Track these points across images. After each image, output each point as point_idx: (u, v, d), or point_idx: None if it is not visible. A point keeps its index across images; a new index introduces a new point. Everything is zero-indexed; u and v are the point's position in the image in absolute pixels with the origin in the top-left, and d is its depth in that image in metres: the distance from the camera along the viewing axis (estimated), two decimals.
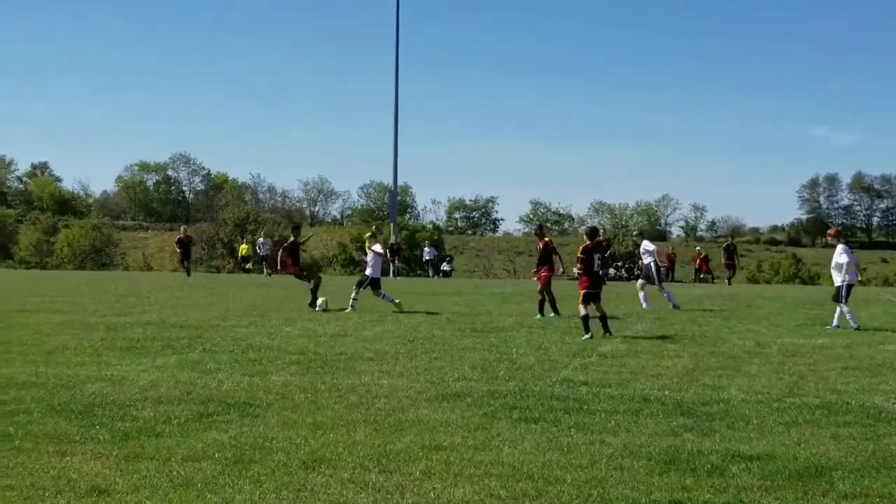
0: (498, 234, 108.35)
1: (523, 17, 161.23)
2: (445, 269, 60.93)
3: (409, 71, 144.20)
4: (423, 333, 16.43)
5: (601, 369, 12.34)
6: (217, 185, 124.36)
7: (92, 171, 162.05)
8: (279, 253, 23.30)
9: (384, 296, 22.00)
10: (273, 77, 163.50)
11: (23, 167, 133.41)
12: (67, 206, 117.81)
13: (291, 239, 23.25)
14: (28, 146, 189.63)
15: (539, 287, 20.36)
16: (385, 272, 30.67)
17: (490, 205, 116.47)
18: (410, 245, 60.24)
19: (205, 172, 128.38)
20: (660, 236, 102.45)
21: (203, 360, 12.72)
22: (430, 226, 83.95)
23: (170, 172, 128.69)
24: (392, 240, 48.16)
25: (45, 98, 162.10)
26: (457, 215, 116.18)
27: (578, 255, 16.62)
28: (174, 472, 6.90)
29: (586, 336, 15.75)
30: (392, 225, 49.30)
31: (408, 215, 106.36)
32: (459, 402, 9.85)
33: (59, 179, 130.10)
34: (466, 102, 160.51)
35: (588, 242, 16.58)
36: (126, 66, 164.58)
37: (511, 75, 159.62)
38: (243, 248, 52.31)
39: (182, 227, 45.07)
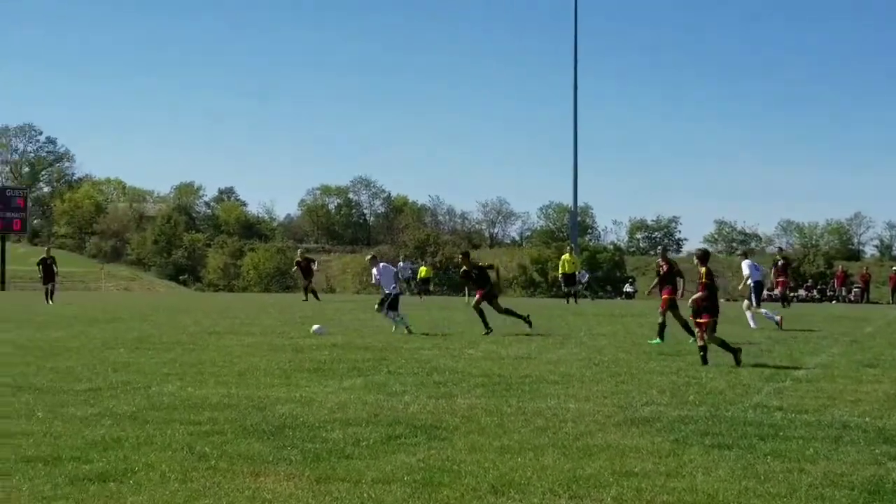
0: (681, 255, 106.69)
1: (696, 29, 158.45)
2: (628, 290, 60.28)
3: (588, 88, 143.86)
4: (607, 356, 16.20)
5: (796, 394, 11.90)
6: (397, 208, 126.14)
7: (276, 195, 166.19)
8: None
9: (390, 315, 21.70)
10: (451, 99, 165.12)
11: (210, 192, 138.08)
12: (253, 229, 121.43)
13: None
14: (215, 172, 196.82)
15: (660, 309, 19.74)
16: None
17: (672, 224, 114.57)
18: (591, 266, 59.75)
19: (385, 195, 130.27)
20: (852, 255, 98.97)
21: (388, 382, 12.80)
22: (611, 246, 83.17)
23: (351, 195, 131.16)
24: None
25: (232, 125, 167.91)
26: (638, 235, 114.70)
27: (704, 280, 15.77)
28: (365, 495, 6.91)
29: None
30: (572, 246, 48.98)
31: (588, 236, 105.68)
32: (649, 427, 9.63)
33: (244, 204, 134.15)
34: (647, 120, 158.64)
35: (706, 268, 15.93)
36: (308, 91, 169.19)
37: (691, 90, 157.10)
38: (423, 271, 52.90)
39: (299, 250, 45.41)
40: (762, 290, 25.28)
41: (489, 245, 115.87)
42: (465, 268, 22.79)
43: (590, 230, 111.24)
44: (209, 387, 12.19)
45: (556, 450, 8.44)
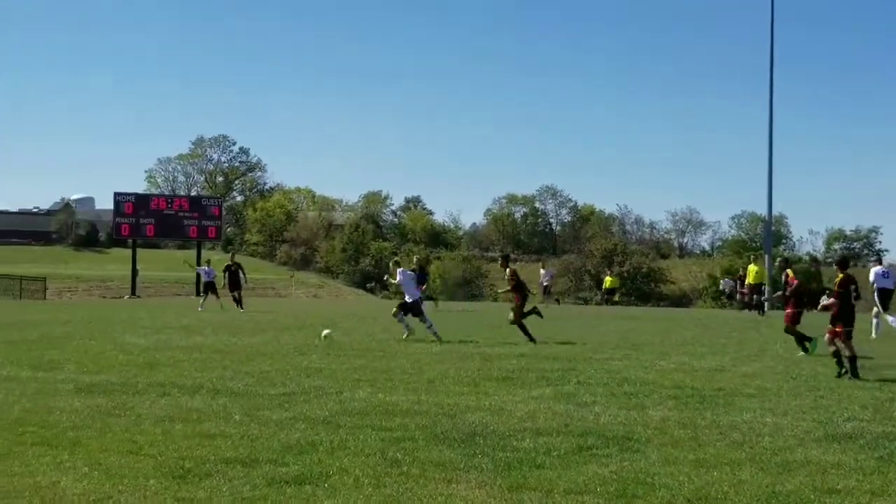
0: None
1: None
2: (825, 302, 58.31)
3: (784, 92, 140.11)
4: (805, 370, 15.67)
5: None
6: (583, 217, 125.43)
7: (462, 204, 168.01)
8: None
9: (404, 321, 21.69)
10: (641, 105, 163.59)
11: (397, 201, 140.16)
12: (439, 238, 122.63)
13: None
14: (402, 181, 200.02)
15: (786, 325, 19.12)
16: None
17: (873, 235, 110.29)
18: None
19: (571, 204, 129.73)
20: None
21: (578, 392, 12.65)
22: (807, 257, 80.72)
23: (537, 205, 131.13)
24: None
25: (418, 135, 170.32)
26: (836, 246, 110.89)
27: (837, 289, 15.33)
28: None
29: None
30: (766, 257, 47.61)
31: (783, 246, 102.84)
32: (851, 443, 9.23)
33: (431, 213, 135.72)
34: (840, 124, 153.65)
35: (843, 275, 15.53)
36: (495, 100, 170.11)
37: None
38: (608, 281, 52.39)
39: (230, 254, 44.46)
40: (889, 297, 25.15)
41: (678, 255, 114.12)
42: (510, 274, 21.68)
43: (784, 240, 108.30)
44: (399, 393, 12.29)
45: (753, 465, 8.17)
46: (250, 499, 6.92)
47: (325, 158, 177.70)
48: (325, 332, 20.78)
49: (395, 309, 22.48)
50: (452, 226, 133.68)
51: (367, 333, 23.37)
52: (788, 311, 19.02)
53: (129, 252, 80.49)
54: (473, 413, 10.70)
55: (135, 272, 70.61)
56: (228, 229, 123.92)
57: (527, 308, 21.62)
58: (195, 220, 71.15)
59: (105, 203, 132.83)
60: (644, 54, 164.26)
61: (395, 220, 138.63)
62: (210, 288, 41.70)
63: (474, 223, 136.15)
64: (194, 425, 9.67)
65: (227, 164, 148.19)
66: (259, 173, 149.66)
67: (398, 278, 22.57)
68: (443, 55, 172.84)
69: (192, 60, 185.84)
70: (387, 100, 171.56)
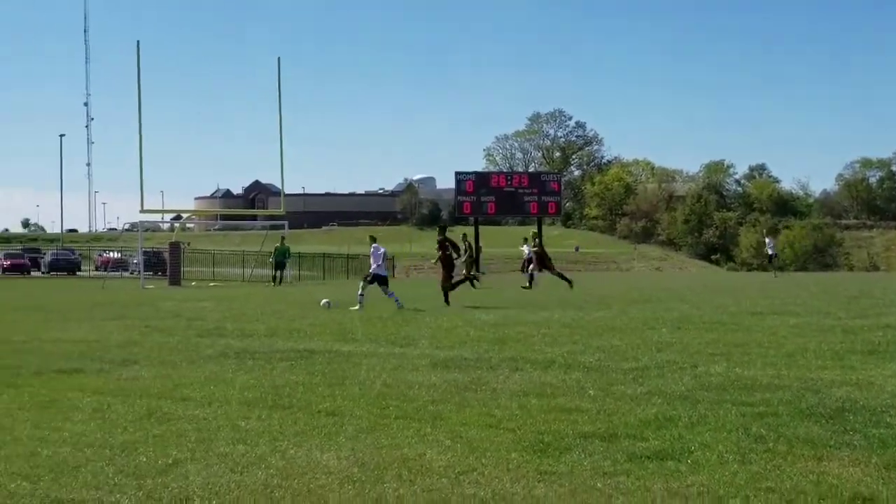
0: None
1: None
2: None
3: None
4: None
5: None
6: None
7: (811, 171, 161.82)
8: None
9: (391, 294, 24.02)
10: None
11: (741, 170, 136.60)
12: (787, 207, 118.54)
13: None
14: (746, 149, 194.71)
15: None
16: None
17: None
18: None
19: None
20: None
21: None
22: None
23: (894, 168, 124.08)
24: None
25: (768, 101, 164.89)
26: None
27: None
28: None
29: None
30: None
31: None
32: None
33: (777, 181, 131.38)
34: None
35: None
36: (838, 63, 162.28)
37: None
38: None
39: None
40: None
41: None
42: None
43: None
44: (757, 368, 11.84)
45: None
46: (611, 473, 6.82)
47: (662, 129, 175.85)
48: (324, 301, 23.05)
49: (362, 283, 24.82)
50: (802, 193, 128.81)
51: (717, 306, 22.80)
52: None
53: (470, 229, 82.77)
54: (839, 388, 10.13)
55: (478, 249, 72.42)
56: (567, 204, 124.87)
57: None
58: (535, 195, 71.95)
59: (446, 182, 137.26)
60: None
61: (739, 189, 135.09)
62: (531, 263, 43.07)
63: (825, 190, 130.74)
64: (549, 400, 9.68)
65: (563, 139, 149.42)
66: (596, 147, 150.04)
67: (371, 251, 24.77)
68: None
69: (527, 40, 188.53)
70: (733, 65, 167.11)
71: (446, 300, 24.90)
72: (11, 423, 8.52)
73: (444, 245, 26.03)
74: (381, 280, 24.59)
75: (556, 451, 7.42)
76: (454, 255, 26.51)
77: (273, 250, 47.33)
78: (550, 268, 35.70)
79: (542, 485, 6.54)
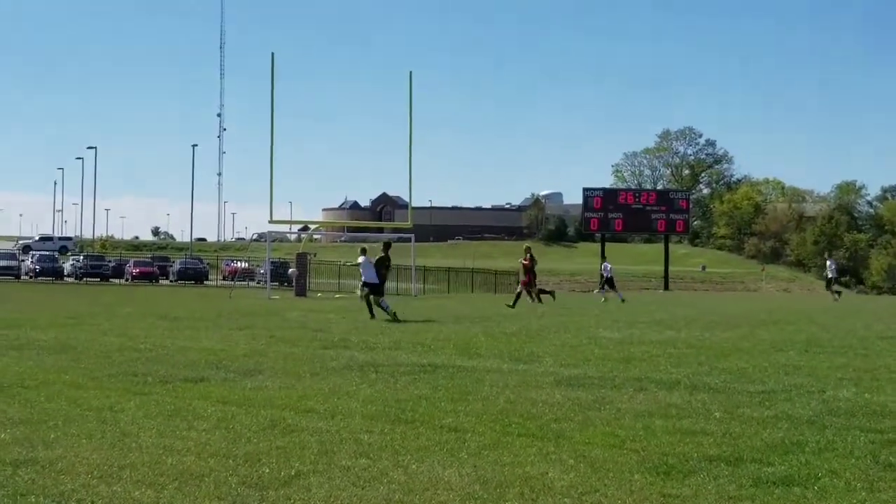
0: None
1: None
2: None
3: None
4: None
5: None
6: None
7: None
8: None
9: (382, 302, 25.24)
10: None
11: (873, 191, 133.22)
12: None
13: None
14: (879, 170, 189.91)
15: None
16: None
17: None
18: None
19: None
20: None
21: None
22: None
23: None
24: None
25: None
26: None
27: None
28: None
29: None
30: None
31: None
32: None
33: None
34: None
35: None
36: None
37: None
38: None
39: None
40: None
41: None
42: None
43: None
44: (887, 394, 11.50)
45: None
46: (736, 497, 6.67)
47: (793, 149, 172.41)
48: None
49: (359, 292, 27.05)
50: None
51: (847, 329, 22.24)
52: None
53: (596, 246, 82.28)
54: None
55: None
56: (695, 222, 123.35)
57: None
58: (663, 213, 71.38)
59: (573, 198, 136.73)
60: None
61: (871, 210, 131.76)
62: (609, 283, 46.24)
63: None
64: (674, 421, 9.53)
65: (693, 157, 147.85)
66: (726, 165, 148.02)
67: (360, 261, 26.22)
68: None
69: (659, 55, 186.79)
70: (868, 85, 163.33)
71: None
72: (137, 431, 8.70)
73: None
74: (373, 288, 25.84)
75: (680, 474, 7.30)
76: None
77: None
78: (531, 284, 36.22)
79: None
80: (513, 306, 32.47)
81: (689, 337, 19.62)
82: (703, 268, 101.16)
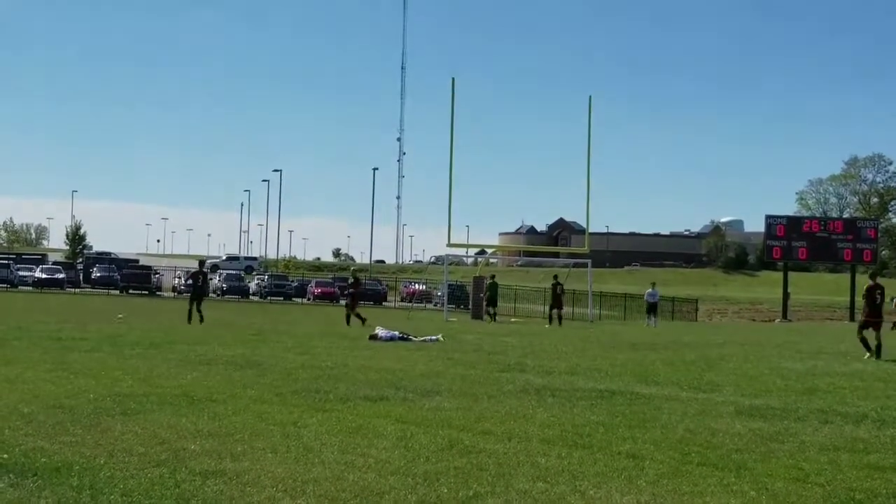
0: None
1: None
2: None
3: None
4: None
5: None
6: None
7: None
8: None
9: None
10: None
11: None
12: None
13: None
14: None
15: None
16: None
17: None
18: None
19: None
20: None
21: None
22: None
23: None
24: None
25: None
26: None
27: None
28: None
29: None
30: None
31: None
32: None
33: None
34: None
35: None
36: None
37: None
38: None
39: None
40: None
41: None
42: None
43: None
44: None
45: None
46: None
47: None
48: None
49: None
50: None
51: None
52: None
53: (778, 275, 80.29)
54: None
55: (786, 295, 70.17)
56: (883, 252, 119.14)
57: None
58: (849, 242, 69.23)
59: (754, 225, 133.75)
60: None
61: None
62: (652, 309, 48.98)
63: None
64: (861, 456, 9.22)
65: (882, 185, 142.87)
66: None
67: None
68: None
69: (844, 80, 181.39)
70: None
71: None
72: (320, 447, 8.89)
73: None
74: None
75: None
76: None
77: (486, 287, 47.62)
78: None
79: None
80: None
81: (877, 370, 18.93)
82: (894, 300, 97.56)
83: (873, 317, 22.56)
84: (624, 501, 7.13)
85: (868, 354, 21.92)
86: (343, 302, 47.40)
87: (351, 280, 37.73)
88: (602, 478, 7.94)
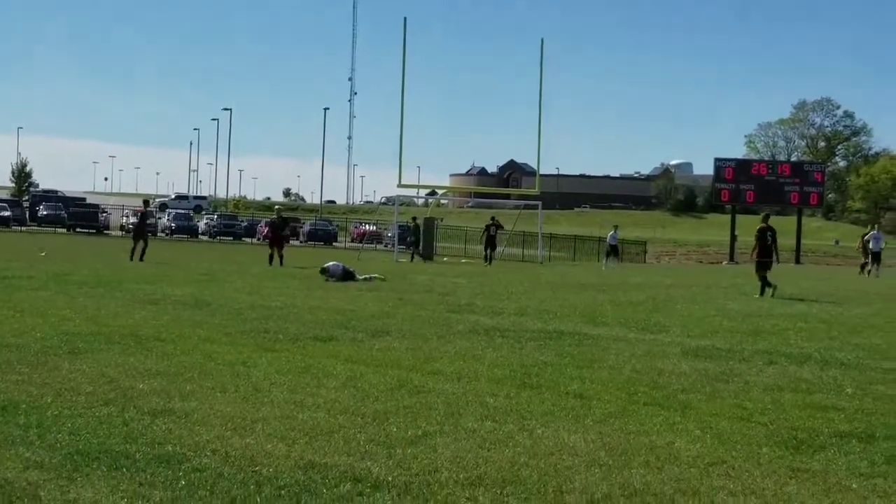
0: None
1: None
2: None
3: None
4: None
5: None
6: None
7: None
8: None
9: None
10: None
11: None
12: None
13: None
14: None
15: None
16: None
17: None
18: None
19: None
20: None
21: None
22: None
23: None
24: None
25: None
26: None
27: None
28: None
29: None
30: None
31: None
32: None
33: None
34: None
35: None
36: None
37: None
38: None
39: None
40: None
41: None
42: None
43: None
44: None
45: None
46: (868, 475, 6.56)
47: None
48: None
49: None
50: None
51: None
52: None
53: (726, 217, 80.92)
54: None
55: (734, 238, 70.85)
56: (829, 196, 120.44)
57: None
58: (796, 186, 69.94)
59: (703, 168, 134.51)
60: None
61: None
62: (614, 251, 49.59)
63: None
64: (804, 396, 9.38)
65: (829, 129, 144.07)
66: (864, 138, 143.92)
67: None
68: None
69: (795, 26, 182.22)
70: None
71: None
72: (269, 387, 8.90)
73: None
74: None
75: (809, 449, 7.20)
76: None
77: (411, 230, 49.81)
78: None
79: (793, 482, 6.36)
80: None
81: (820, 311, 19.22)
82: (837, 242, 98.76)
83: (762, 256, 24.23)
84: (571, 440, 7.21)
85: (762, 293, 23.23)
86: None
87: (275, 218, 36.48)
88: (550, 417, 8.02)
